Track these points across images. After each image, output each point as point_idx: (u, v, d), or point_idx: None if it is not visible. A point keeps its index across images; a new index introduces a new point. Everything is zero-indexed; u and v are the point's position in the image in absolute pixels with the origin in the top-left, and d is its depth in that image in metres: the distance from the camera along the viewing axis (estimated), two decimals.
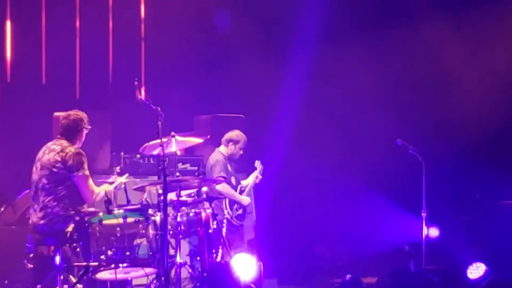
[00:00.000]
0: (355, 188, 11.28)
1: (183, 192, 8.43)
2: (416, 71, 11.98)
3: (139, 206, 8.12)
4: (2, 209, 9.34)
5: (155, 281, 7.82)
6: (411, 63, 11.90)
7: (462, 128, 11.56)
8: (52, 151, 7.73)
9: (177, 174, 8.42)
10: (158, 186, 8.05)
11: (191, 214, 8.44)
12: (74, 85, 11.06)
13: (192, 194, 8.85)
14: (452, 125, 11.72)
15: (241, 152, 9.89)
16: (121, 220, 7.56)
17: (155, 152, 8.31)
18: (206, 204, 8.73)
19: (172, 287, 7.78)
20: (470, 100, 11.53)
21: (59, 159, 7.65)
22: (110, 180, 8.24)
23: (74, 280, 7.59)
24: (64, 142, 7.78)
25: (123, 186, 8.35)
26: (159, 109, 7.86)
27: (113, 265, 7.43)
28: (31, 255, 7.71)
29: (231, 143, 9.83)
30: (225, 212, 9.63)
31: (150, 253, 7.63)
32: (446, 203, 11.18)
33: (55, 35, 10.89)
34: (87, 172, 7.72)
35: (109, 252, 7.47)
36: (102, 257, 7.46)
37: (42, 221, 7.60)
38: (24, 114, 10.20)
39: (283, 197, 11.46)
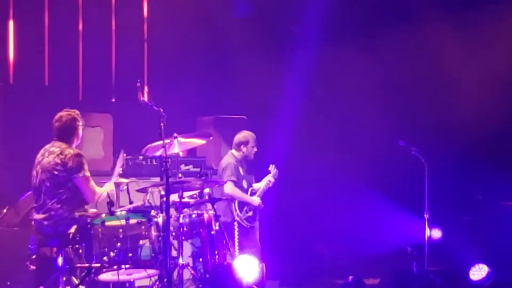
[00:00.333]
0: (357, 189, 11.28)
1: (185, 194, 8.43)
2: (417, 72, 11.98)
3: (141, 206, 8.13)
4: (5, 210, 9.34)
5: (157, 283, 7.82)
6: (412, 64, 11.90)
7: (463, 129, 11.56)
8: (51, 153, 7.73)
9: (180, 175, 8.41)
10: (160, 188, 8.05)
11: (193, 216, 8.43)
12: (77, 86, 11.06)
13: (195, 196, 8.85)
14: (454, 125, 11.72)
15: (255, 149, 9.85)
16: (123, 222, 7.56)
17: (158, 153, 8.30)
18: (209, 206, 8.72)
19: None
20: (471, 100, 11.53)
21: (59, 161, 7.65)
22: (112, 179, 8.23)
23: (76, 281, 7.57)
24: (62, 144, 7.77)
25: (125, 187, 8.36)
26: (162, 110, 7.86)
27: (115, 267, 7.43)
28: (34, 257, 7.71)
29: (242, 146, 9.82)
30: (235, 214, 9.64)
31: (153, 254, 7.63)
32: (448, 204, 11.18)
33: (57, 36, 10.89)
34: (87, 173, 7.72)
35: (112, 254, 7.47)
36: (105, 258, 7.46)
37: (46, 223, 7.60)
38: (27, 116, 10.18)
39: (285, 198, 11.46)
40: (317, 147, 11.61)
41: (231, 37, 11.96)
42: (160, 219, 7.77)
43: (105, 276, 7.53)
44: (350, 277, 9.52)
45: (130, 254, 7.52)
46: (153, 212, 7.84)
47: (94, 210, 7.94)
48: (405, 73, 11.88)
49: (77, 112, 7.96)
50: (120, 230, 7.54)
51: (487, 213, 11.25)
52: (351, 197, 11.57)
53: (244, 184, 9.77)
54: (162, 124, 7.80)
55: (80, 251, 7.60)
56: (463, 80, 11.71)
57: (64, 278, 7.51)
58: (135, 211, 7.80)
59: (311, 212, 11.74)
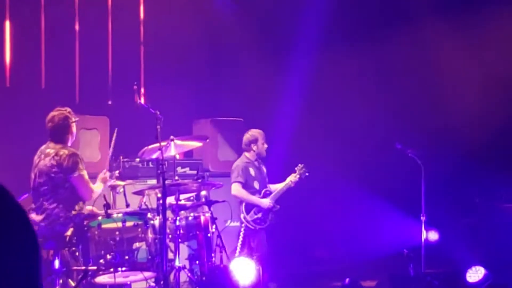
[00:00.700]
0: (354, 191, 11.28)
1: (182, 196, 8.43)
2: (414, 74, 11.99)
3: (138, 209, 8.13)
4: None
5: (154, 285, 7.83)
6: (410, 67, 11.90)
7: (460, 131, 11.57)
8: (47, 155, 7.72)
9: (176, 178, 8.41)
10: (157, 190, 8.05)
11: (190, 218, 8.44)
12: (74, 89, 11.04)
13: (191, 198, 8.85)
14: (451, 127, 11.73)
15: (266, 146, 9.86)
16: (120, 224, 7.57)
17: (154, 156, 8.30)
18: (205, 208, 8.72)
19: None
20: (468, 102, 11.54)
21: (54, 163, 7.65)
22: (109, 183, 8.23)
23: (73, 284, 7.58)
24: (57, 145, 7.76)
25: (122, 190, 8.36)
26: (158, 112, 7.87)
27: (112, 269, 7.44)
28: None
29: (252, 144, 9.83)
30: (241, 216, 9.64)
31: (149, 257, 7.64)
32: (445, 207, 11.19)
33: (54, 39, 10.88)
34: (82, 172, 7.70)
35: (108, 256, 7.48)
36: (101, 261, 7.47)
37: (42, 223, 7.60)
38: (23, 118, 10.18)
39: (282, 201, 11.44)
40: (314, 150, 11.60)
41: (228, 40, 11.97)
42: (156, 222, 7.78)
43: (102, 279, 7.54)
44: (347, 280, 9.50)
45: (127, 257, 7.52)
46: (149, 215, 7.85)
47: (90, 208, 7.93)
48: (402, 75, 11.89)
49: (68, 110, 7.93)
50: (117, 233, 7.55)
51: (484, 215, 11.27)
52: (348, 199, 11.57)
53: (256, 185, 9.75)
54: (158, 126, 7.82)
55: (77, 253, 7.61)
56: (460, 82, 11.73)
57: (61, 281, 7.52)
58: (131, 213, 7.80)
59: (309, 215, 11.74)
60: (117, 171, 8.42)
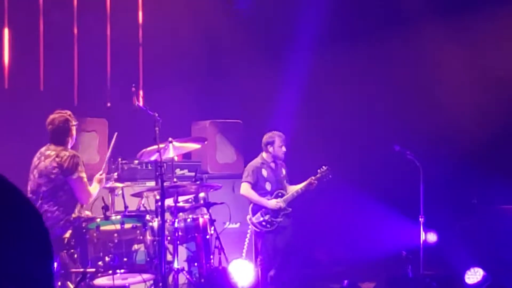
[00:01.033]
0: (353, 193, 11.28)
1: (180, 198, 8.45)
2: (413, 77, 11.99)
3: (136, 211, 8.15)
4: None
5: (152, 287, 7.83)
6: (408, 69, 11.91)
7: (458, 133, 11.57)
8: (47, 157, 7.72)
9: (175, 180, 8.42)
10: (155, 192, 8.06)
11: (188, 220, 8.44)
12: (72, 91, 11.06)
13: (190, 200, 8.86)
14: (449, 129, 11.73)
15: (284, 149, 9.81)
16: (118, 226, 7.57)
17: (153, 158, 8.31)
18: (204, 210, 8.73)
19: None
20: (466, 104, 11.54)
21: (55, 164, 7.66)
22: (107, 185, 8.24)
23: (71, 286, 7.58)
24: (58, 147, 7.77)
25: (120, 192, 8.37)
26: (157, 114, 7.88)
27: (110, 271, 7.44)
28: None
29: (269, 146, 9.82)
30: (247, 217, 9.65)
31: (148, 259, 7.65)
32: (443, 208, 11.18)
33: (52, 41, 10.89)
34: (82, 175, 7.70)
35: (107, 258, 7.48)
36: (100, 263, 7.48)
37: None
38: (22, 121, 10.19)
39: None
40: (312, 152, 11.61)
41: (226, 42, 11.98)
42: (155, 224, 7.78)
43: (100, 281, 7.54)
44: (346, 282, 9.52)
45: (125, 259, 7.53)
46: (148, 217, 7.85)
47: (88, 213, 7.94)
48: (402, 78, 11.89)
49: (69, 112, 7.94)
50: (115, 235, 7.56)
51: (482, 216, 11.26)
52: (346, 201, 11.57)
53: (267, 186, 9.71)
54: (157, 128, 7.82)
55: (75, 255, 7.60)
56: (458, 83, 11.73)
57: (59, 283, 7.51)
58: (130, 215, 7.81)
59: (307, 217, 11.73)
60: (116, 173, 8.43)
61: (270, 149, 9.80)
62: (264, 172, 9.75)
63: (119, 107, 10.73)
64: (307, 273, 10.15)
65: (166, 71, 11.45)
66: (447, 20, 11.76)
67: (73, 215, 7.69)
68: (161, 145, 7.97)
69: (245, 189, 9.68)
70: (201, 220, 8.45)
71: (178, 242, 8.05)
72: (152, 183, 9.64)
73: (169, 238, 8.01)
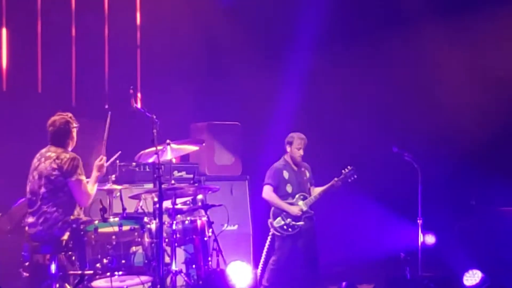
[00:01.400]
0: (351, 194, 11.26)
1: (178, 200, 8.44)
2: (412, 77, 11.99)
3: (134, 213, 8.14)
4: None
5: None
6: (407, 71, 11.90)
7: (457, 134, 11.57)
8: (48, 158, 7.72)
9: (173, 182, 8.42)
10: (153, 194, 8.05)
11: (186, 222, 8.43)
12: (70, 93, 11.05)
13: (188, 202, 8.85)
14: (448, 131, 11.73)
15: (300, 152, 9.81)
16: (116, 228, 7.57)
17: (151, 160, 8.31)
18: (202, 212, 8.72)
19: None
20: (467, 105, 11.54)
21: (55, 166, 7.65)
22: (105, 187, 8.23)
23: None
24: (58, 149, 7.77)
25: (118, 194, 8.36)
26: (155, 116, 7.87)
27: (108, 274, 7.44)
28: (27, 264, 7.70)
29: (287, 146, 9.85)
30: (268, 221, 9.65)
31: (146, 261, 7.64)
32: (442, 210, 11.18)
33: (50, 43, 10.88)
34: (81, 177, 7.70)
35: (105, 260, 7.48)
36: (98, 265, 7.48)
37: (40, 227, 7.59)
38: (20, 123, 10.19)
39: None
40: (311, 154, 11.59)
41: (224, 44, 11.97)
42: (153, 226, 7.78)
43: (98, 283, 7.54)
44: (344, 283, 9.50)
45: (123, 261, 7.53)
46: (146, 219, 7.84)
47: (85, 218, 7.93)
48: (400, 80, 11.89)
49: (70, 115, 7.94)
50: (113, 237, 7.55)
51: (480, 218, 11.26)
52: (344, 202, 11.56)
53: (288, 188, 9.71)
54: (155, 130, 7.82)
55: (73, 258, 7.60)
56: (457, 84, 11.73)
57: (57, 285, 7.50)
58: (128, 217, 7.80)
59: None
60: (113, 175, 8.41)
61: (288, 149, 9.84)
62: (286, 174, 9.73)
63: (117, 109, 10.72)
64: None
65: (164, 72, 11.44)
66: (447, 20, 11.76)
67: (71, 217, 7.68)
68: (159, 147, 7.97)
69: (267, 192, 9.69)
70: (199, 222, 8.44)
71: (176, 244, 8.04)
72: (150, 185, 9.63)
73: (167, 240, 8.00)
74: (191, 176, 8.89)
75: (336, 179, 9.76)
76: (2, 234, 9.24)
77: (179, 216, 8.41)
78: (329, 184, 9.78)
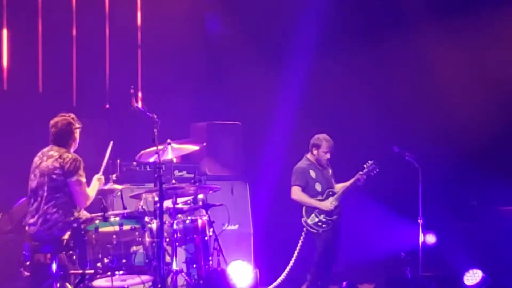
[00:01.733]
0: (351, 194, 11.26)
1: (179, 200, 8.44)
2: (412, 78, 11.98)
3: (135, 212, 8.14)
4: None
5: None
6: (407, 70, 11.90)
7: (457, 134, 11.57)
8: (50, 157, 7.73)
9: (173, 181, 8.42)
10: (154, 194, 8.05)
11: (187, 222, 8.44)
12: (71, 93, 11.06)
13: (188, 202, 8.85)
14: (448, 131, 11.72)
15: (328, 156, 9.76)
16: (117, 228, 7.58)
17: (151, 159, 8.31)
18: (203, 212, 8.72)
19: None
20: (465, 105, 11.54)
21: (57, 165, 7.66)
22: (106, 187, 8.24)
23: None
24: (61, 149, 7.78)
25: (119, 194, 8.36)
26: (155, 116, 7.88)
27: (109, 273, 7.45)
28: (28, 263, 7.71)
29: (314, 148, 9.79)
30: (302, 220, 9.61)
31: (147, 260, 7.65)
32: (442, 210, 11.18)
33: (51, 43, 10.89)
34: (81, 178, 7.71)
35: (106, 260, 7.49)
36: (99, 264, 7.48)
37: (40, 228, 7.59)
38: (21, 123, 10.19)
39: (279, 204, 11.44)
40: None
41: (224, 43, 11.97)
42: (154, 225, 7.78)
43: (99, 283, 7.54)
44: (344, 283, 9.52)
45: (124, 260, 7.53)
46: (147, 218, 7.85)
47: (87, 214, 7.93)
48: (401, 79, 11.88)
49: (72, 116, 7.96)
50: (114, 236, 7.56)
51: (481, 218, 11.26)
52: (345, 202, 11.54)
53: (317, 187, 9.68)
54: (155, 130, 7.82)
55: (74, 257, 7.61)
56: (457, 84, 11.73)
57: (58, 285, 7.52)
58: (129, 217, 7.81)
59: None
60: (114, 175, 8.42)
61: (315, 151, 9.78)
62: (312, 173, 9.71)
63: (118, 109, 10.73)
64: (305, 274, 10.12)
65: (164, 72, 11.44)
66: (447, 20, 11.75)
67: (72, 217, 7.68)
68: (160, 147, 7.97)
69: (296, 193, 9.64)
70: (199, 222, 8.45)
71: (176, 243, 8.05)
72: (150, 185, 9.62)
73: (168, 239, 8.00)
74: (192, 175, 8.88)
75: (360, 173, 9.71)
76: (3, 233, 9.26)
77: (180, 215, 8.41)
78: (354, 179, 9.73)
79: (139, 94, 11.13)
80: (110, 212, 7.89)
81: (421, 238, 9.58)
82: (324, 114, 11.90)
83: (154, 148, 7.86)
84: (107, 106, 11.21)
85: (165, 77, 11.43)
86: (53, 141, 7.86)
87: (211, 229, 8.49)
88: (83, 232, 7.58)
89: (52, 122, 7.90)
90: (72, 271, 7.60)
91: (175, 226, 8.04)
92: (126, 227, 7.64)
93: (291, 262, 10.02)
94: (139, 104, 8.16)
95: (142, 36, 11.55)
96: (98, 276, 7.46)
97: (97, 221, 7.61)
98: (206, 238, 8.40)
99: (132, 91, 8.03)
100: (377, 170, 9.75)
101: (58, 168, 7.65)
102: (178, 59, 11.55)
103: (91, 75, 11.09)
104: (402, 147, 9.80)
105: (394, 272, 10.14)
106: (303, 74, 11.80)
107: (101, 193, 8.10)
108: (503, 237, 10.77)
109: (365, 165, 9.79)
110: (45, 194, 7.65)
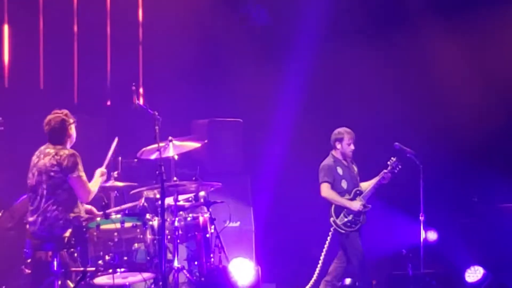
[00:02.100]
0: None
1: (180, 197, 8.44)
2: (414, 75, 11.98)
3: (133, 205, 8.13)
4: (0, 214, 9.33)
5: (153, 286, 7.84)
6: (409, 68, 11.90)
7: (458, 131, 11.57)
8: (47, 155, 7.71)
9: (175, 178, 8.41)
10: (155, 191, 8.05)
11: (188, 219, 8.44)
12: (72, 90, 11.06)
13: (190, 199, 8.84)
14: (449, 128, 11.72)
15: (352, 147, 9.60)
16: (118, 225, 7.57)
17: (153, 156, 8.30)
18: (204, 209, 8.71)
19: None
20: (468, 104, 11.54)
21: (54, 162, 7.64)
22: (107, 184, 8.23)
23: (71, 285, 7.58)
24: (57, 146, 7.76)
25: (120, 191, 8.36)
26: (157, 113, 7.87)
27: (110, 270, 7.44)
28: (29, 260, 7.71)
29: (337, 142, 9.63)
30: (331, 220, 9.47)
31: (148, 258, 7.64)
32: (443, 207, 11.18)
33: (52, 40, 10.89)
34: (81, 173, 7.69)
35: (107, 257, 7.48)
36: (100, 262, 7.47)
37: (41, 226, 7.59)
38: (22, 119, 10.19)
39: (280, 201, 11.46)
40: (313, 150, 11.58)
41: (226, 40, 11.96)
42: (155, 223, 7.77)
43: (101, 280, 7.54)
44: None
45: (125, 258, 7.52)
46: (148, 216, 7.84)
47: (89, 207, 7.93)
48: (402, 77, 11.88)
49: (65, 112, 7.90)
50: (115, 234, 7.55)
51: (482, 215, 11.27)
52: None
53: (344, 184, 9.53)
54: (157, 127, 7.81)
55: (75, 254, 7.60)
56: (458, 82, 11.73)
57: (59, 282, 7.51)
58: (130, 214, 7.81)
59: (307, 215, 11.72)
60: (116, 172, 8.42)
61: (338, 146, 9.62)
62: (340, 170, 9.55)
63: (119, 106, 10.73)
64: (307, 271, 10.12)
65: (166, 69, 11.44)
66: (448, 18, 11.75)
67: (72, 214, 7.67)
68: (161, 144, 7.96)
69: (326, 190, 9.44)
70: (201, 219, 8.45)
71: (178, 241, 8.04)
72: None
73: (169, 237, 8.01)
74: (193, 173, 8.88)
75: (385, 171, 9.53)
76: (4, 231, 9.25)
77: (181, 212, 8.41)
78: (379, 177, 9.56)
79: (141, 91, 11.13)
80: (111, 209, 7.90)
81: (423, 235, 9.57)
82: (325, 110, 11.90)
83: (156, 145, 7.86)
84: (109, 103, 11.21)
85: (166, 74, 11.42)
86: (49, 139, 7.85)
87: (213, 226, 8.49)
88: (84, 229, 7.57)
89: (45, 120, 7.87)
90: (73, 269, 7.59)
91: (176, 224, 8.04)
92: (128, 225, 7.63)
93: (320, 263, 9.89)
94: (141, 101, 8.16)
95: (143, 33, 11.55)
96: (99, 273, 7.45)
97: (98, 219, 7.61)
98: (207, 235, 8.40)
99: (133, 88, 8.02)
100: (400, 166, 9.55)
101: (56, 165, 7.64)
102: (180, 56, 11.54)
103: (92, 71, 11.10)
104: (404, 144, 9.78)
105: (395, 268, 10.15)
106: (304, 71, 11.79)
107: (102, 190, 8.10)
108: (504, 234, 10.78)
109: (388, 162, 9.57)
110: (44, 192, 7.64)
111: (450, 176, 11.50)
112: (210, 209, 8.59)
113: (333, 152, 9.69)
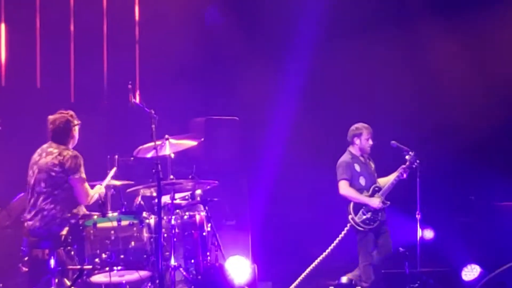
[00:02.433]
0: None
1: (177, 195, 8.44)
2: (412, 74, 11.99)
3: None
4: None
5: (149, 284, 7.84)
6: (407, 66, 11.90)
7: (456, 129, 11.58)
8: (49, 154, 7.74)
9: (171, 176, 8.42)
10: (152, 189, 8.05)
11: (185, 217, 8.44)
12: (69, 89, 11.06)
13: (186, 197, 8.85)
14: (447, 127, 11.74)
15: (371, 142, 9.54)
16: (115, 223, 7.59)
17: (149, 155, 8.30)
18: (201, 207, 8.72)
19: None
20: (464, 101, 11.55)
21: (56, 162, 7.67)
22: (104, 183, 8.24)
23: (68, 283, 7.60)
24: (60, 146, 7.79)
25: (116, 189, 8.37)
26: (153, 112, 7.88)
27: (107, 268, 7.45)
28: (26, 259, 7.72)
29: (355, 138, 9.57)
30: (349, 217, 9.43)
31: (145, 256, 7.64)
32: (440, 205, 11.19)
33: (49, 38, 10.89)
34: (83, 175, 7.73)
35: (104, 255, 7.50)
36: (97, 260, 7.49)
37: (38, 224, 7.60)
38: (19, 118, 10.19)
39: (277, 199, 11.46)
40: (310, 149, 11.61)
41: (222, 39, 11.97)
42: (152, 221, 7.78)
43: (97, 278, 7.56)
44: (343, 278, 9.51)
45: (122, 256, 7.53)
46: (145, 214, 7.85)
47: (85, 210, 7.94)
48: (400, 75, 11.89)
49: (71, 113, 7.97)
50: (112, 232, 7.57)
51: (479, 213, 11.27)
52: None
53: (362, 181, 9.49)
54: (153, 125, 7.82)
55: (72, 252, 7.63)
56: (456, 81, 11.74)
57: (56, 280, 7.54)
58: (127, 212, 7.82)
59: (304, 213, 11.74)
60: (114, 169, 8.42)
61: (357, 141, 9.56)
62: (357, 167, 9.50)
63: (116, 105, 10.73)
64: (304, 270, 10.13)
65: (162, 68, 11.44)
66: (447, 18, 11.76)
67: (69, 214, 7.68)
68: (158, 142, 7.97)
69: (345, 188, 9.37)
70: (198, 217, 8.45)
71: (175, 239, 8.04)
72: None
73: (166, 235, 8.00)
74: (190, 171, 8.88)
75: (403, 166, 9.46)
76: (1, 229, 9.26)
77: (178, 211, 8.41)
78: (397, 173, 9.50)
79: (137, 90, 11.13)
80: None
81: (419, 233, 9.57)
82: (322, 109, 11.91)
83: (152, 143, 7.86)
84: (105, 101, 11.20)
85: (163, 73, 11.42)
86: (52, 138, 7.87)
87: (209, 225, 8.49)
88: (81, 227, 7.59)
89: (50, 119, 7.91)
90: (70, 267, 7.62)
91: (173, 222, 8.04)
92: (124, 223, 7.64)
93: (324, 253, 9.89)
94: (137, 100, 8.15)
95: (140, 31, 11.55)
96: (96, 271, 7.47)
97: (95, 217, 7.62)
98: (204, 233, 8.40)
99: (130, 86, 8.03)
100: (418, 161, 9.45)
101: (58, 165, 7.66)
102: (176, 55, 11.53)
103: (89, 70, 11.09)
104: (401, 142, 9.77)
105: (392, 267, 10.13)
106: (302, 70, 11.80)
107: None
108: (501, 232, 10.78)
109: (407, 157, 9.49)
110: (43, 190, 7.66)
111: (447, 174, 11.50)
112: (207, 207, 8.59)
113: (351, 148, 9.63)
